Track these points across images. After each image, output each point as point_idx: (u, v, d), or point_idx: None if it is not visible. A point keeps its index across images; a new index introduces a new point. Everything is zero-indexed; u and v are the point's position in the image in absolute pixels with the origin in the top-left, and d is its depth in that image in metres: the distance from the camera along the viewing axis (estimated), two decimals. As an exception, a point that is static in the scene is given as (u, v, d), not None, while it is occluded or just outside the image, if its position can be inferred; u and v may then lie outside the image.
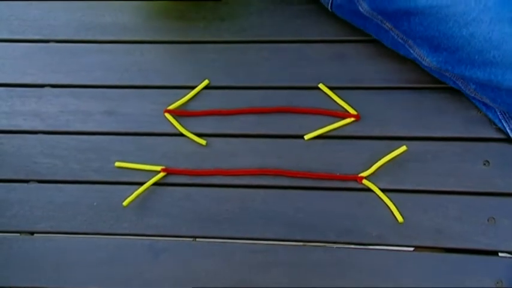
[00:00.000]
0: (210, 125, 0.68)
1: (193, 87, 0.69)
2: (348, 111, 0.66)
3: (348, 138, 0.66)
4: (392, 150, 0.63)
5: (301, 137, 0.66)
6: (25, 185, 0.68)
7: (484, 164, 0.62)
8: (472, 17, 0.53)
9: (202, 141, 0.67)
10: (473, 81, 0.59)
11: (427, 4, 0.55)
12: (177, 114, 0.68)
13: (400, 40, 0.62)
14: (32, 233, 0.66)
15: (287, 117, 0.67)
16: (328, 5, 0.68)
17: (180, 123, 0.68)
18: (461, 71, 0.58)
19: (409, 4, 0.56)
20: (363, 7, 0.62)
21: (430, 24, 0.56)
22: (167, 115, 0.68)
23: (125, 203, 0.64)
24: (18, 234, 0.66)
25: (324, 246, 0.62)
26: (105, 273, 0.64)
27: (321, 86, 0.67)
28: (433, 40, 0.58)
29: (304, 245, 0.63)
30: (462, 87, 0.62)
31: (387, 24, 0.61)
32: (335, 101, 0.67)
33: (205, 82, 0.69)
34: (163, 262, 0.63)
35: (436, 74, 0.63)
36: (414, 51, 0.61)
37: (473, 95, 0.62)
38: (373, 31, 0.65)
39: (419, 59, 0.62)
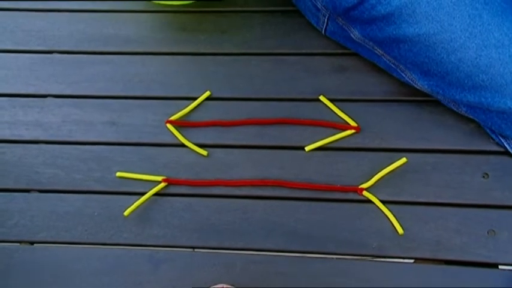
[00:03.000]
0: (211, 135, 0.68)
1: (194, 99, 0.70)
2: (349, 123, 0.66)
3: (348, 149, 0.66)
4: (392, 162, 0.63)
5: (302, 148, 0.66)
6: (26, 194, 0.68)
7: (483, 177, 0.63)
8: (459, 43, 0.55)
9: (204, 152, 0.67)
10: (464, 104, 0.60)
11: (414, 32, 0.56)
12: (179, 124, 0.69)
13: (392, 65, 0.64)
14: (32, 243, 0.66)
15: (288, 128, 0.68)
16: (322, 30, 0.70)
17: (181, 134, 0.68)
18: (452, 94, 0.59)
19: (398, 32, 0.58)
20: (355, 34, 0.64)
21: (419, 51, 0.58)
22: (169, 126, 0.68)
23: (125, 213, 0.64)
24: (19, 244, 0.66)
25: (324, 257, 0.62)
26: (105, 283, 0.63)
27: (321, 98, 0.68)
28: (423, 65, 0.59)
29: (306, 256, 0.63)
30: (454, 109, 0.63)
31: (378, 50, 0.63)
32: (335, 113, 0.67)
33: (207, 93, 0.70)
34: (163, 273, 0.63)
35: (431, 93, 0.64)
36: (406, 75, 0.63)
37: (465, 116, 0.63)
38: (367, 55, 0.67)
39: (412, 82, 0.63)
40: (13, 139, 0.70)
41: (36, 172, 0.68)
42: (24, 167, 0.69)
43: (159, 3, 0.75)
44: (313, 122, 0.67)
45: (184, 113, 0.69)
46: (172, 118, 0.69)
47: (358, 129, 0.66)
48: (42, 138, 0.70)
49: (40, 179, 0.68)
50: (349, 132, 0.66)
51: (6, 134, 0.71)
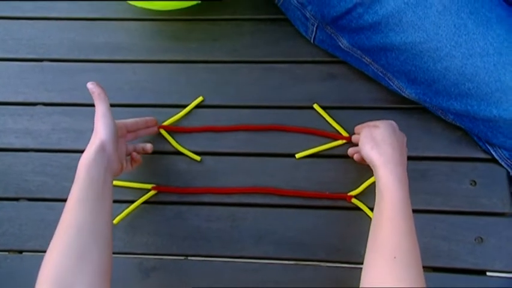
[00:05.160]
0: (201, 143, 0.68)
1: (185, 106, 0.70)
2: (340, 133, 0.67)
3: (337, 157, 0.67)
4: (381, 170, 0.63)
5: (292, 156, 0.67)
6: (15, 203, 0.68)
7: (471, 184, 0.63)
8: (444, 52, 0.55)
9: (197, 157, 0.67)
10: (451, 112, 0.61)
11: (401, 41, 0.57)
12: (171, 130, 0.69)
13: (380, 73, 0.64)
14: (21, 252, 0.66)
15: (278, 136, 0.68)
16: (311, 39, 0.70)
17: (174, 140, 0.68)
18: (439, 102, 0.60)
19: (385, 40, 0.59)
20: (343, 43, 0.64)
21: (406, 59, 0.58)
22: (162, 131, 0.68)
23: (115, 221, 0.64)
24: (7, 253, 0.66)
25: (314, 264, 0.62)
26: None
27: (315, 106, 0.68)
28: (410, 74, 0.60)
29: (296, 264, 0.63)
30: (442, 116, 0.64)
31: (366, 58, 0.64)
32: (328, 122, 0.68)
33: (200, 99, 0.70)
34: (153, 280, 0.63)
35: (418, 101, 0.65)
36: (394, 84, 0.64)
37: (453, 124, 0.64)
38: (355, 64, 0.68)
39: (399, 91, 0.64)
40: (2, 147, 0.70)
41: (25, 180, 0.68)
42: (13, 175, 0.69)
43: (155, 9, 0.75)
44: (304, 130, 0.68)
45: (177, 118, 0.69)
46: (165, 124, 0.69)
47: (349, 139, 0.66)
48: (31, 146, 0.70)
49: (29, 187, 0.68)
50: (340, 142, 0.67)
51: (-4, 142, 0.70)
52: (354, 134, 0.66)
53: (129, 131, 0.62)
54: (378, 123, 0.59)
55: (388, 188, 0.51)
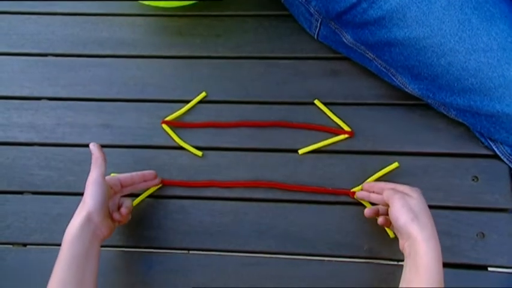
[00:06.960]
0: (204, 138, 0.69)
1: (189, 101, 0.70)
2: (342, 128, 0.67)
3: (340, 153, 0.67)
4: (384, 166, 0.64)
5: (295, 151, 0.67)
6: (20, 196, 0.68)
7: (473, 180, 0.64)
8: (448, 47, 0.56)
9: (199, 153, 0.67)
10: (454, 108, 0.61)
11: (405, 36, 0.57)
12: (174, 125, 0.69)
13: (383, 69, 0.64)
14: (25, 245, 0.66)
15: (281, 131, 0.68)
16: (314, 35, 0.70)
17: (176, 135, 0.68)
18: (442, 97, 0.60)
19: (389, 36, 0.59)
20: (347, 38, 0.65)
21: (409, 54, 0.59)
22: (164, 126, 0.69)
23: (119, 215, 0.65)
24: (11, 246, 0.66)
25: (316, 259, 0.63)
26: (98, 285, 0.63)
27: (316, 102, 0.68)
28: (413, 69, 0.60)
29: (299, 259, 0.63)
30: (444, 112, 0.64)
31: (370, 54, 0.64)
32: (329, 117, 0.68)
33: (203, 94, 0.70)
34: (156, 275, 0.63)
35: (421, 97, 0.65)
36: (397, 79, 0.64)
37: (455, 119, 0.64)
38: (358, 59, 0.68)
39: (403, 86, 0.64)
40: (7, 141, 0.71)
41: (30, 174, 0.68)
42: (17, 169, 0.69)
43: (155, 5, 0.76)
44: (307, 126, 0.68)
45: (180, 113, 0.69)
46: (167, 118, 0.69)
47: (351, 134, 0.67)
48: (36, 140, 0.70)
49: (34, 181, 0.68)
50: (342, 136, 0.67)
51: (0, 136, 0.71)
52: (356, 128, 0.66)
53: (123, 186, 0.61)
54: (408, 190, 0.55)
55: (428, 268, 0.49)
